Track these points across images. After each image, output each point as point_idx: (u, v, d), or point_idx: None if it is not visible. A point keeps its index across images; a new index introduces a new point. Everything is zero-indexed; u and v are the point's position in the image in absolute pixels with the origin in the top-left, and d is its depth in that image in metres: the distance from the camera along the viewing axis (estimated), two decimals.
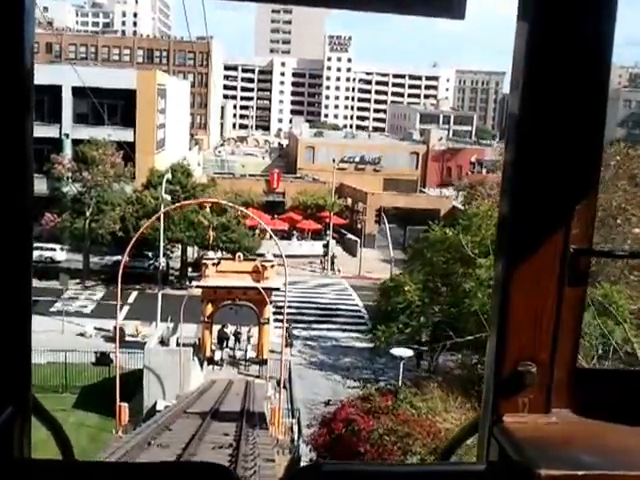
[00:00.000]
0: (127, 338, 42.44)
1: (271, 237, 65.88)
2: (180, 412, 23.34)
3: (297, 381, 37.15)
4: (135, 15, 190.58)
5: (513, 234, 1.63)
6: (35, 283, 48.35)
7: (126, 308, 48.92)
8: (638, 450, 1.56)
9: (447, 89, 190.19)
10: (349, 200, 76.31)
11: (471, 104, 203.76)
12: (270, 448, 18.07)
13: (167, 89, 68.28)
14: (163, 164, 57.29)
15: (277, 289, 37.32)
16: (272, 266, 37.92)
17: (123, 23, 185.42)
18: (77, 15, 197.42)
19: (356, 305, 51.95)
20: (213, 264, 37.54)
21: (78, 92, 61.34)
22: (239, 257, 38.03)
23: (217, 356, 37.93)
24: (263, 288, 36.37)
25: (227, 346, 39.80)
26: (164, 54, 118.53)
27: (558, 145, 1.57)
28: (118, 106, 62.19)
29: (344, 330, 46.95)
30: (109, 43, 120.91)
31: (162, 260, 48.28)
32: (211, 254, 39.06)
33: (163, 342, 33.56)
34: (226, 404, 24.55)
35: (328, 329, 46.82)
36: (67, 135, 61.00)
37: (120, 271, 14.23)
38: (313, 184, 78.84)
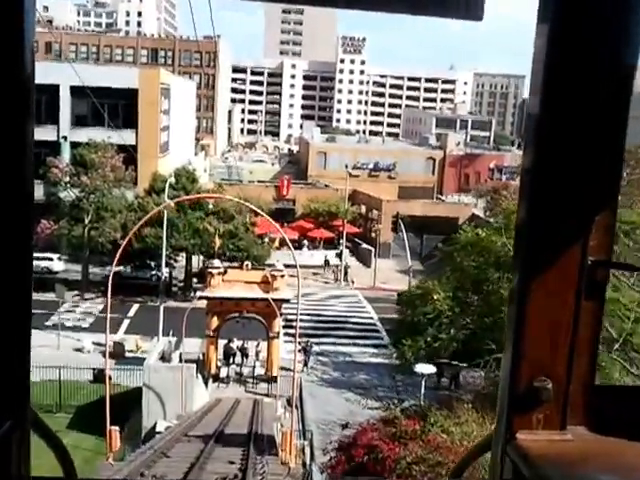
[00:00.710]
0: (127, 354, 41.50)
1: (281, 246, 65.39)
2: (181, 435, 22.08)
3: (309, 399, 35.91)
4: (139, 14, 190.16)
5: (530, 244, 1.63)
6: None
7: (126, 322, 47.95)
8: None
9: (464, 93, 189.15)
10: (363, 208, 75.24)
11: (489, 108, 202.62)
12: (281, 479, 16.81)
13: (171, 89, 67.37)
14: (167, 169, 56.23)
15: (288, 301, 36.07)
16: (282, 276, 36.73)
17: (127, 23, 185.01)
18: (79, 14, 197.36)
19: (371, 318, 50.73)
20: (219, 273, 36.34)
21: (77, 92, 60.56)
22: (247, 266, 36.82)
23: (223, 373, 36.75)
24: (273, 299, 35.19)
25: (234, 362, 38.65)
26: (169, 54, 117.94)
27: (578, 152, 1.57)
28: (119, 107, 61.39)
29: (358, 345, 45.76)
30: (111, 43, 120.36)
31: (165, 270, 47.26)
32: (217, 262, 37.83)
33: (164, 358, 32.37)
34: (232, 426, 23.28)
35: (341, 344, 45.64)
36: (65, 138, 60.18)
37: (110, 280, 13.31)
38: (325, 191, 77.79)
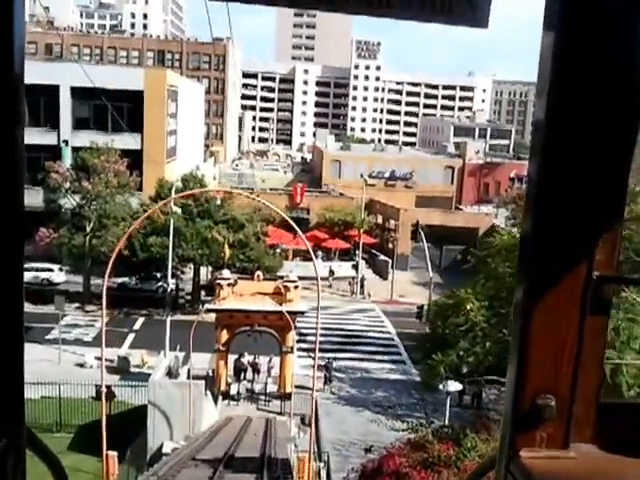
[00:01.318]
0: (132, 369, 40.67)
1: (293, 257, 64.55)
2: (188, 459, 21.10)
3: (324, 418, 34.93)
4: (145, 17, 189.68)
5: (534, 259, 1.64)
6: (30, 308, 46.75)
7: (131, 336, 47.18)
8: None
9: (483, 100, 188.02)
10: (379, 217, 74.30)
11: (508, 117, 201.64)
12: None
13: (179, 91, 66.72)
14: (174, 175, 55.41)
15: (302, 313, 35.13)
16: (296, 287, 35.84)
17: (132, 25, 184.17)
18: (81, 16, 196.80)
19: (388, 332, 49.79)
20: (229, 284, 35.49)
21: (78, 93, 59.87)
22: (258, 276, 35.98)
23: (233, 390, 35.89)
24: (287, 312, 34.29)
25: (244, 378, 37.80)
26: (176, 57, 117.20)
27: (583, 164, 1.58)
28: (124, 109, 60.53)
29: (375, 360, 44.83)
30: (116, 44, 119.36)
31: (171, 282, 46.45)
32: (226, 273, 36.98)
33: (171, 374, 31.49)
34: (243, 447, 22.31)
35: (358, 359, 44.70)
36: (66, 142, 59.43)
37: (104, 291, 12.17)
38: (340, 199, 76.94)
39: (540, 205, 1.62)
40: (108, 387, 36.22)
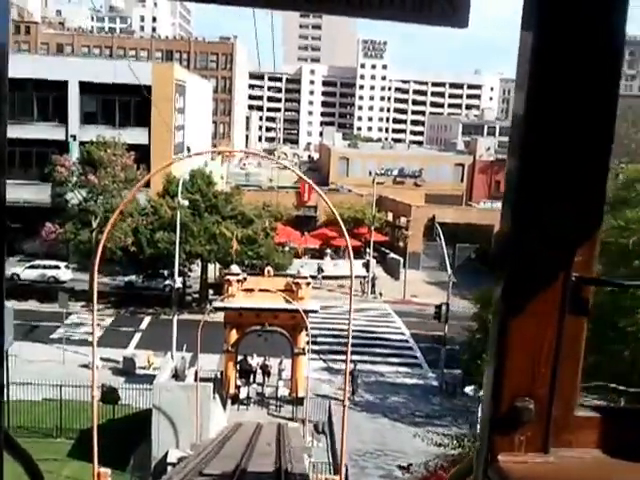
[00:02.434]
0: (137, 371, 38.42)
1: (303, 255, 62.06)
2: (195, 473, 18.61)
3: (338, 425, 32.38)
4: (154, 20, 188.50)
5: (512, 260, 1.60)
6: (35, 306, 44.39)
7: (137, 335, 44.89)
8: None
9: (491, 98, 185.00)
10: (389, 215, 71.70)
11: None
12: None
13: (187, 86, 64.37)
14: (182, 171, 53.04)
15: (315, 312, 32.67)
16: (308, 284, 33.43)
17: (142, 28, 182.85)
18: (92, 20, 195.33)
19: (402, 334, 47.21)
20: (238, 281, 33.05)
21: (86, 88, 58.17)
22: (269, 272, 33.50)
23: (243, 393, 33.47)
24: (298, 311, 31.89)
25: (254, 381, 35.38)
26: (184, 56, 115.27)
27: (562, 164, 1.55)
28: (131, 104, 58.49)
29: (390, 364, 42.29)
30: (125, 44, 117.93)
31: (179, 280, 44.12)
32: (235, 268, 34.55)
33: (177, 376, 29.06)
34: (256, 459, 19.82)
35: (371, 362, 42.17)
36: (74, 137, 57.32)
37: (95, 286, 10.01)
38: (349, 196, 74.42)
39: (518, 205, 1.56)
40: (114, 389, 33.95)
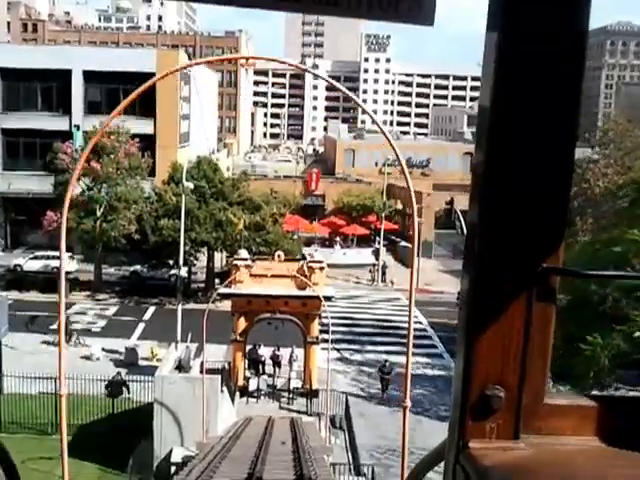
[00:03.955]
0: (140, 362, 35.41)
1: (310, 244, 58.95)
2: None
3: (357, 419, 29.33)
4: (160, 19, 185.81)
5: (480, 249, 1.57)
6: (37, 297, 41.54)
7: (141, 326, 41.97)
8: (609, 477, 1.54)
9: None
10: (399, 203, 68.48)
11: None
12: None
13: (192, 75, 61.16)
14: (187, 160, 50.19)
15: (330, 299, 29.57)
16: (322, 268, 30.37)
17: (148, 27, 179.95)
18: (100, 20, 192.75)
19: (420, 323, 43.97)
20: (246, 266, 30.00)
21: (90, 77, 55.45)
22: (279, 256, 30.38)
23: (252, 385, 30.43)
24: (312, 297, 28.87)
25: (264, 372, 32.38)
26: (190, 50, 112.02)
27: (528, 157, 1.53)
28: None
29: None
30: (131, 40, 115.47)
31: (184, 269, 41.16)
32: (243, 253, 31.55)
33: (182, 367, 26.00)
34: (271, 465, 16.65)
35: (388, 352, 39.01)
36: (78, 127, 54.11)
37: (61, 273, 7.22)
38: (357, 185, 71.41)
39: (485, 195, 1.54)
40: (122, 382, 30.98)
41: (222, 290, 32.14)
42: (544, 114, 1.51)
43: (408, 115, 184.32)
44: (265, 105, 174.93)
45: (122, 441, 24.80)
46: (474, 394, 1.60)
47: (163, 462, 22.62)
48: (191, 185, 36.68)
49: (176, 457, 22.23)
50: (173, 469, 21.80)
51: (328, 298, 29.52)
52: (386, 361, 33.08)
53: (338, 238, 63.14)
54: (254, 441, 20.50)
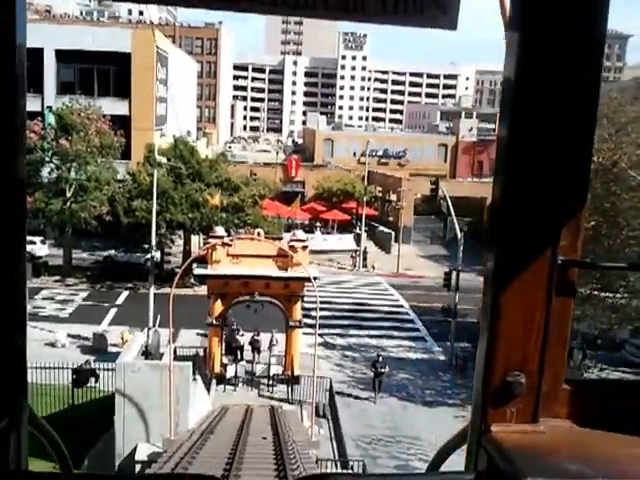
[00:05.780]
0: (110, 348, 31.71)
1: (289, 230, 55.28)
2: None
3: (341, 407, 25.94)
4: (141, 13, 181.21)
5: (501, 245, 1.59)
6: None
7: (113, 311, 38.30)
8: (624, 459, 1.55)
9: (467, 88, 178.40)
10: (378, 189, 65.08)
11: (489, 106, 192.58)
12: None
13: (169, 57, 57.38)
14: (163, 145, 46.24)
15: (314, 279, 26.01)
16: (304, 247, 26.91)
17: (129, 22, 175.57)
18: (82, 14, 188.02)
19: (401, 307, 40.77)
20: (223, 244, 26.45)
21: (63, 56, 51.33)
22: (259, 234, 26.79)
23: (230, 372, 26.92)
24: (294, 278, 25.43)
25: (242, 359, 28.89)
26: (169, 40, 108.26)
27: (547, 154, 1.54)
28: (110, 73, 51.64)
29: (392, 337, 35.94)
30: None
31: (158, 253, 37.55)
32: (220, 230, 28.02)
33: (149, 354, 22.40)
34: (249, 465, 13.19)
35: (370, 336, 35.80)
36: (50, 108, 50.06)
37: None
38: (336, 172, 68.02)
39: (506, 193, 1.55)
40: (91, 371, 27.32)
41: (198, 271, 28.61)
42: (565, 109, 1.48)
43: (383, 111, 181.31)
44: (245, 99, 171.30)
45: (81, 436, 21.15)
46: (496, 380, 1.60)
47: (126, 460, 19.04)
48: (164, 159, 33.05)
49: (141, 455, 18.70)
50: (138, 468, 18.24)
51: (313, 279, 25.96)
52: (379, 355, 29.38)
53: (318, 224, 59.76)
54: (230, 436, 16.99)
